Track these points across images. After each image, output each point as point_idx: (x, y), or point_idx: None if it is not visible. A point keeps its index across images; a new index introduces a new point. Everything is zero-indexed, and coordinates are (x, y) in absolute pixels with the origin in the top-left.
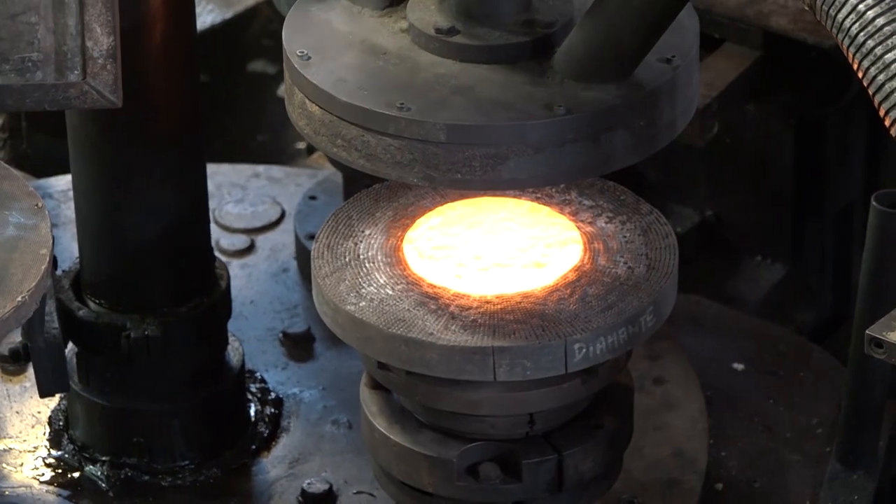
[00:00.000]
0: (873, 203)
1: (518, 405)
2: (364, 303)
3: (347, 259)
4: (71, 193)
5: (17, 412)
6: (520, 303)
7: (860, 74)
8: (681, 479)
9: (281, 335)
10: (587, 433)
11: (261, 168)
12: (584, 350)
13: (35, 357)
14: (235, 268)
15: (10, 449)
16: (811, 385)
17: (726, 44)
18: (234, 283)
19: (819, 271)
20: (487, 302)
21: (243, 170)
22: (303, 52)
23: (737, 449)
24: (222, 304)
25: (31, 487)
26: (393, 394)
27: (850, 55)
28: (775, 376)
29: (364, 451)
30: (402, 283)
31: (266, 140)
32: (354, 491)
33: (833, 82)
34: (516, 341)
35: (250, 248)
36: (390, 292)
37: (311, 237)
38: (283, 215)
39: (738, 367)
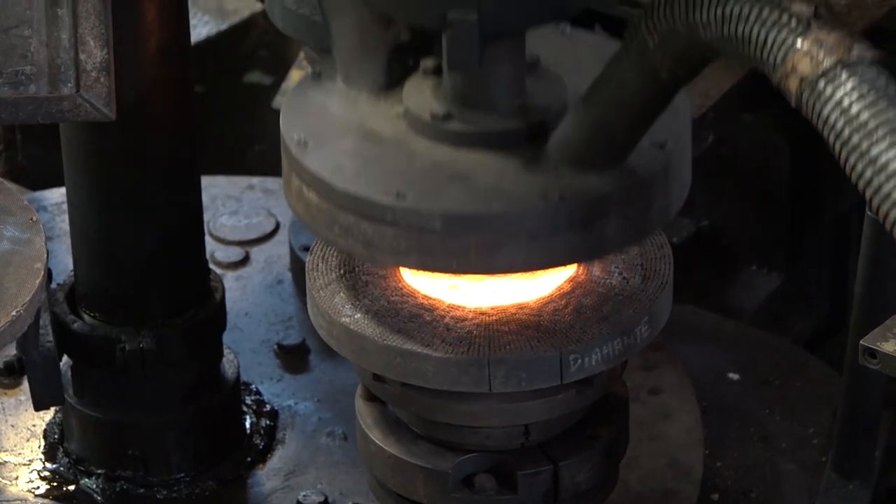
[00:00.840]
0: (868, 212)
1: (513, 416)
2: (359, 315)
3: (342, 271)
4: (65, 206)
5: (12, 425)
6: (515, 314)
7: (848, 170)
8: (676, 489)
9: (276, 347)
10: (583, 444)
11: (255, 180)
12: (579, 361)
13: (30, 370)
14: (230, 280)
15: (6, 462)
16: (807, 395)
17: None
18: (228, 296)
19: (815, 281)
20: (482, 313)
21: (238, 182)
22: (300, 138)
23: (732, 459)
24: (217, 317)
25: (26, 501)
26: (388, 405)
27: (837, 150)
28: (771, 386)
29: (359, 463)
30: (396, 294)
31: (262, 151)
32: (350, 503)
33: None
34: (511, 353)
35: (245, 260)
36: (385, 304)
37: (306, 249)
38: (277, 227)
39: (734, 376)
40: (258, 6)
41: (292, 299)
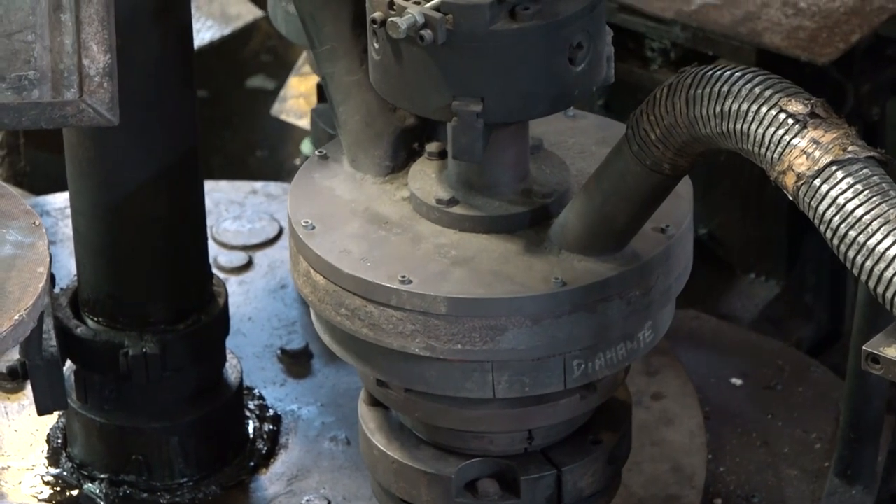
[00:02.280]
0: None
1: (517, 421)
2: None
3: None
4: (69, 211)
5: (16, 430)
6: None
7: (847, 265)
8: (679, 494)
9: (279, 352)
10: (586, 449)
11: (258, 185)
12: (582, 366)
13: (33, 375)
14: (233, 284)
15: (9, 467)
16: (809, 400)
17: (719, 61)
18: (232, 300)
19: (814, 288)
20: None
21: (241, 186)
22: (307, 222)
23: (735, 464)
24: (220, 321)
25: None
26: (391, 410)
27: (835, 246)
28: (773, 391)
29: (362, 468)
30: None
31: (265, 156)
32: None
33: (827, 99)
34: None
35: (248, 265)
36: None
37: None
38: (280, 232)
39: (737, 381)
40: (261, 11)
41: (295, 304)
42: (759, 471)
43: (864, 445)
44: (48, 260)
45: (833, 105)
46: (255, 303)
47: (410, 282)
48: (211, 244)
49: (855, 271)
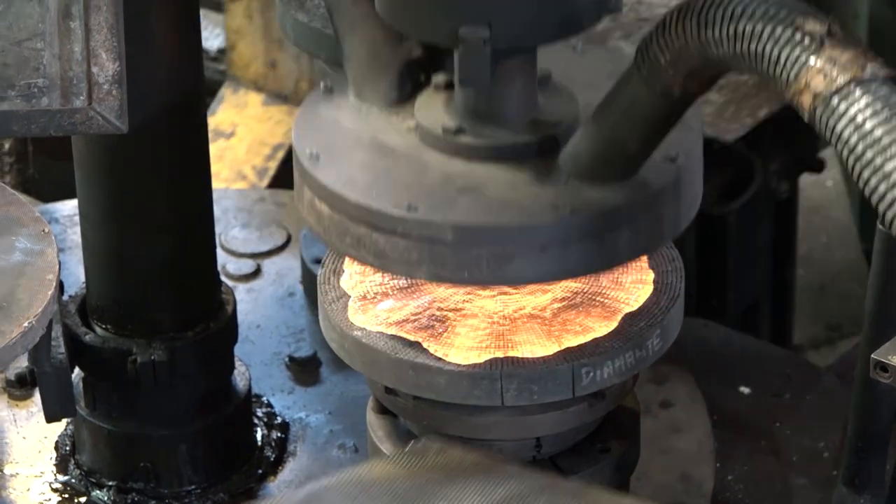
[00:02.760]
0: (880, 226)
1: (525, 429)
2: (370, 328)
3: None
4: (77, 218)
5: (24, 437)
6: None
7: (861, 185)
8: (687, 502)
9: (287, 360)
10: (594, 457)
11: (267, 192)
12: (591, 374)
13: (41, 382)
14: (241, 292)
15: (17, 474)
16: (818, 408)
17: None
18: (240, 308)
19: None
20: (495, 325)
21: (249, 194)
22: (312, 152)
23: (743, 472)
24: (229, 329)
25: None
26: (400, 418)
27: (851, 165)
28: (782, 400)
29: None
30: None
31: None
32: None
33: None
34: (524, 366)
35: (256, 273)
36: (397, 318)
37: (318, 262)
38: (289, 240)
39: (745, 390)
40: None
41: (304, 312)
42: (767, 479)
43: (873, 454)
44: (57, 267)
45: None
46: (263, 310)
47: (416, 209)
48: (219, 252)
49: (868, 193)
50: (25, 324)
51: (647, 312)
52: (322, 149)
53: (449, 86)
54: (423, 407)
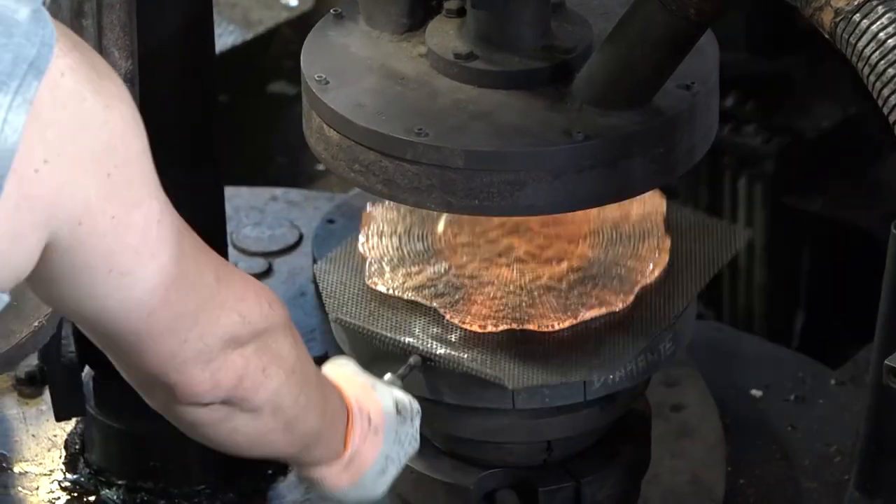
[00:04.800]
0: (893, 229)
1: (536, 432)
2: (381, 329)
3: (364, 284)
4: None
5: (34, 435)
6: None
7: (881, 102)
8: None
9: None
10: (605, 460)
11: (278, 191)
12: (602, 378)
13: (52, 380)
14: None
15: (26, 472)
16: (830, 412)
17: None
18: None
19: None
20: (511, 294)
21: (261, 193)
22: (321, 77)
23: (754, 476)
24: None
25: None
26: None
27: (870, 83)
28: (793, 403)
29: None
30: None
31: (285, 162)
32: None
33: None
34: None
35: (268, 272)
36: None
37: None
38: (300, 239)
39: (757, 393)
40: (283, 16)
41: (315, 311)
42: (778, 483)
43: (885, 459)
44: None
45: None
46: None
47: (427, 134)
48: (231, 250)
49: (887, 111)
50: (36, 323)
51: (660, 316)
52: (331, 74)
53: (461, 12)
54: (434, 409)
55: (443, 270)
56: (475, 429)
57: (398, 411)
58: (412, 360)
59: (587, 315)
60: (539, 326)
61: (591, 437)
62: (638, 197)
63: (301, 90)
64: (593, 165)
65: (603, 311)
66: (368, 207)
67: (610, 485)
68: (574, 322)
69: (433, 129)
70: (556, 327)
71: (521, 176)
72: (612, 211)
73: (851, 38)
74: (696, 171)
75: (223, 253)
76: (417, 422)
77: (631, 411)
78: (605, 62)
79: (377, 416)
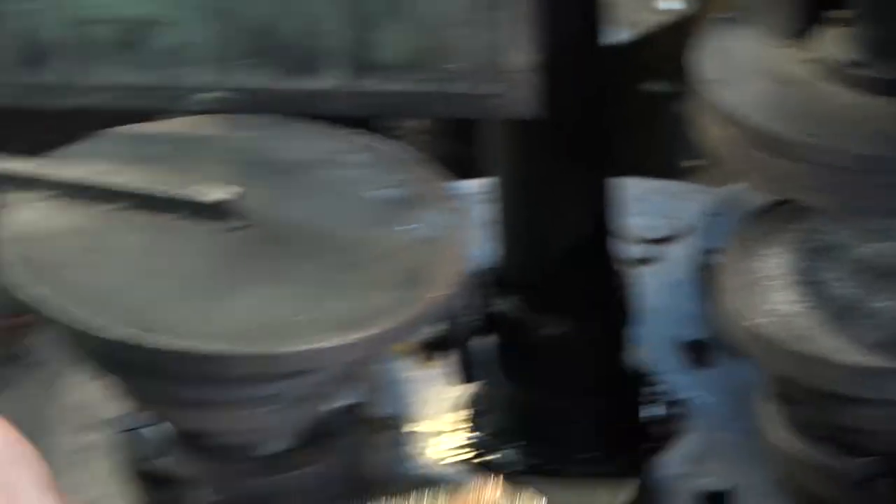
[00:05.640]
0: None
1: None
2: (768, 318)
3: (754, 276)
4: (479, 196)
5: (436, 397)
6: None
7: None
8: None
9: (681, 343)
10: None
11: (660, 184)
12: None
13: (454, 348)
14: (638, 276)
15: (429, 430)
16: None
17: None
18: (636, 291)
19: None
20: None
21: (643, 185)
22: (715, 78)
23: None
24: (626, 310)
25: (446, 466)
26: (792, 406)
27: None
28: None
29: (761, 460)
30: (808, 300)
31: (660, 157)
32: (750, 496)
33: None
34: None
35: (652, 259)
36: (796, 309)
37: (713, 252)
38: (684, 229)
39: None
40: (659, 19)
41: (696, 298)
42: None
43: None
44: (468, 242)
45: None
46: (655, 295)
47: (818, 136)
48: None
49: None
50: (438, 294)
51: None
52: (723, 76)
53: (847, 21)
54: (818, 398)
55: None
56: (858, 418)
57: None
58: None
59: None
60: None
61: None
62: None
63: (683, 90)
64: None
65: None
66: None
67: None
68: None
69: (824, 132)
70: None
71: None
72: None
73: None
74: None
75: (613, 240)
76: None
77: None
78: None
79: None
